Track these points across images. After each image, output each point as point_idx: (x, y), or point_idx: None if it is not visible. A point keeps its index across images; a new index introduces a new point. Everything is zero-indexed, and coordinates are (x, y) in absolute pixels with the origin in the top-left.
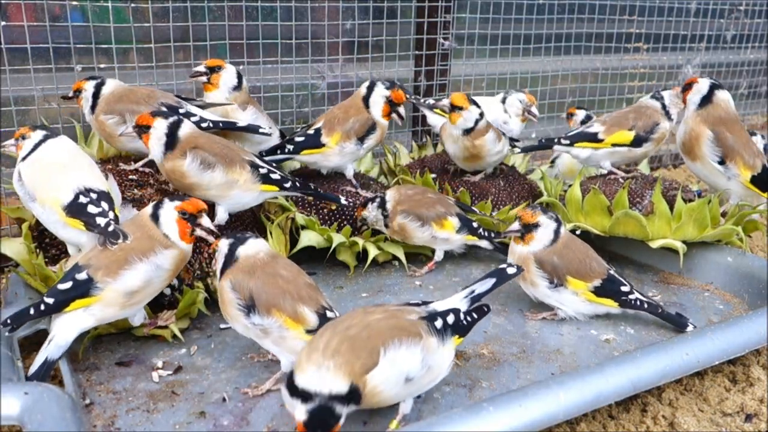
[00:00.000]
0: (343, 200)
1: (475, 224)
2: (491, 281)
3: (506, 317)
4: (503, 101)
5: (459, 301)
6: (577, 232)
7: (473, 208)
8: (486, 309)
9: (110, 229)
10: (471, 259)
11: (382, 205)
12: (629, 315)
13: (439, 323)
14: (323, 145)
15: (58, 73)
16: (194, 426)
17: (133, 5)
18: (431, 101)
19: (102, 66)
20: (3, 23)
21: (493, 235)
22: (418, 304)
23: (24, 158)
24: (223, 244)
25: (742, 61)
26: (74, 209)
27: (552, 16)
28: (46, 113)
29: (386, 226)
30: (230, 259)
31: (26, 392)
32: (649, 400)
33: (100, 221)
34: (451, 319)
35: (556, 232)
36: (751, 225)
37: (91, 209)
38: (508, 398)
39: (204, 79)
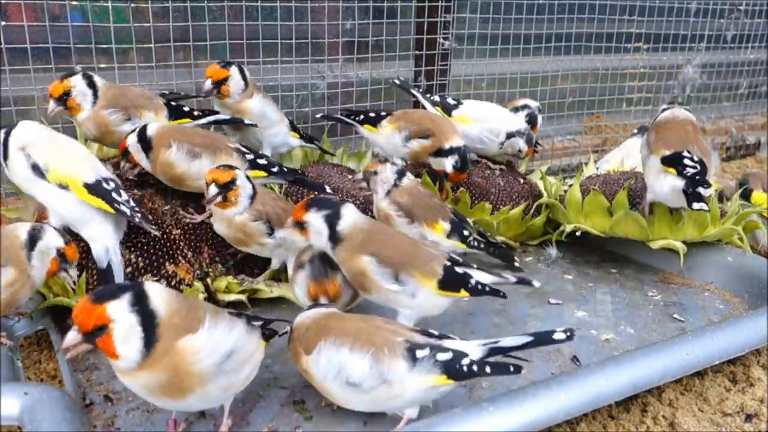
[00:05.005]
0: (328, 189)
1: (466, 232)
2: (526, 339)
3: (506, 317)
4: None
5: (473, 346)
6: (577, 233)
7: (468, 219)
8: (513, 369)
9: (137, 219)
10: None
11: (401, 174)
12: (629, 314)
13: (421, 353)
14: (378, 127)
15: (58, 73)
16: (194, 426)
17: (133, 5)
18: (436, 98)
19: (102, 66)
20: (3, 23)
21: (482, 245)
22: (430, 335)
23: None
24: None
25: (742, 61)
26: (97, 190)
27: (552, 16)
28: (46, 113)
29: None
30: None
31: (26, 392)
32: (649, 400)
33: (125, 209)
34: (444, 356)
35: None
36: (751, 225)
37: (115, 196)
38: (508, 398)
39: (215, 93)
